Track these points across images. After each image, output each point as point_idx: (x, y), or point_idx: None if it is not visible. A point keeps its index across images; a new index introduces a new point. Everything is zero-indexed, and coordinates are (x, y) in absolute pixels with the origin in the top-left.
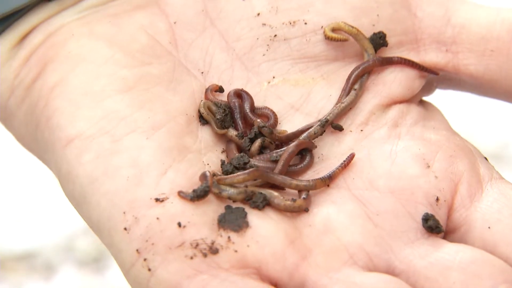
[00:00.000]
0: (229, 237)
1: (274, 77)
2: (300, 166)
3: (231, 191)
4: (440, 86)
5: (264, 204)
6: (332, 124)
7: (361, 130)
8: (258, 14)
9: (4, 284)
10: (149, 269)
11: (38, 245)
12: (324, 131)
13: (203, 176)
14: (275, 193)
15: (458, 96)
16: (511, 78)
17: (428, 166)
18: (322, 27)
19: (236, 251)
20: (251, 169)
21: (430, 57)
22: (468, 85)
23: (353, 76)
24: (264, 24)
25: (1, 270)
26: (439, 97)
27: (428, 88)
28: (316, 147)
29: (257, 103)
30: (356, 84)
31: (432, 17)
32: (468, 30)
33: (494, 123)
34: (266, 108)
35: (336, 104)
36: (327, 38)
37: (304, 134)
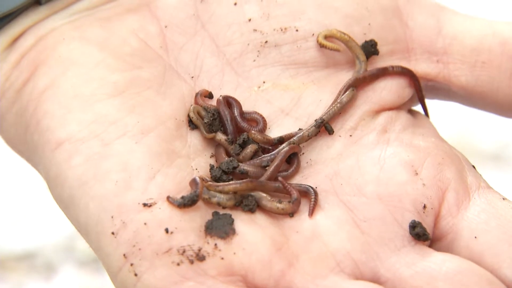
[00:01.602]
0: (216, 244)
1: (264, 82)
2: (288, 171)
3: (221, 197)
4: (429, 96)
5: (256, 206)
6: (325, 125)
7: (350, 135)
8: (250, 19)
9: (4, 284)
10: (136, 274)
11: (38, 245)
12: (319, 131)
13: (193, 182)
14: (263, 194)
15: None
16: (502, 90)
17: (416, 173)
18: (313, 34)
19: (222, 258)
20: (244, 180)
21: (421, 66)
22: (457, 96)
23: (349, 82)
24: (255, 30)
25: (1, 270)
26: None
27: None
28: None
29: (247, 108)
30: (352, 88)
31: (423, 27)
32: (460, 41)
33: (494, 123)
34: (255, 112)
35: (333, 104)
36: (320, 45)
37: (299, 135)
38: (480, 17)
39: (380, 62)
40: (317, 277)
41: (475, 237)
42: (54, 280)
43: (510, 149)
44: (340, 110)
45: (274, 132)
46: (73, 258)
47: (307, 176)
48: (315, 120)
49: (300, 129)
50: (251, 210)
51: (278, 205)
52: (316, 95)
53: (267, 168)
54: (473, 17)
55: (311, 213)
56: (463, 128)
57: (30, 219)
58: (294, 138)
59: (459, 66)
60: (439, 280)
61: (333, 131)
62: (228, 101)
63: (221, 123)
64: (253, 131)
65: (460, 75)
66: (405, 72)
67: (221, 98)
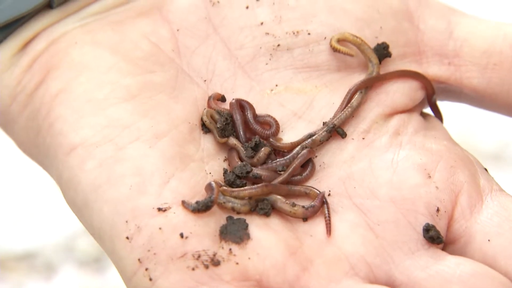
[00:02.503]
0: (230, 249)
1: (276, 85)
2: (303, 175)
3: (236, 202)
4: (440, 98)
5: (271, 210)
6: (337, 129)
7: (363, 138)
8: (262, 23)
9: (4, 284)
10: (150, 279)
11: (39, 245)
12: (330, 136)
13: (209, 187)
14: (278, 196)
15: None
16: None
17: (429, 176)
18: (325, 37)
19: (237, 263)
20: (260, 185)
21: (432, 69)
22: (469, 98)
23: (357, 85)
24: (267, 33)
25: (1, 270)
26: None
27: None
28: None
29: (260, 111)
30: (360, 90)
31: (434, 30)
32: (471, 43)
33: (494, 123)
34: (268, 116)
35: (342, 108)
36: (334, 49)
37: (308, 140)
38: (490, 19)
39: (392, 65)
40: (331, 281)
41: (488, 240)
42: (54, 280)
43: (510, 149)
44: (351, 114)
45: (287, 135)
46: (73, 258)
47: (320, 179)
48: (326, 124)
49: (309, 134)
50: (267, 214)
51: (291, 208)
52: (328, 98)
53: (281, 172)
54: (483, 19)
55: (329, 232)
56: (463, 128)
57: (30, 219)
58: (307, 142)
59: (471, 68)
60: (454, 283)
61: (346, 135)
62: (241, 104)
63: (233, 128)
64: (271, 139)
65: (471, 77)
66: (418, 77)
67: (234, 101)
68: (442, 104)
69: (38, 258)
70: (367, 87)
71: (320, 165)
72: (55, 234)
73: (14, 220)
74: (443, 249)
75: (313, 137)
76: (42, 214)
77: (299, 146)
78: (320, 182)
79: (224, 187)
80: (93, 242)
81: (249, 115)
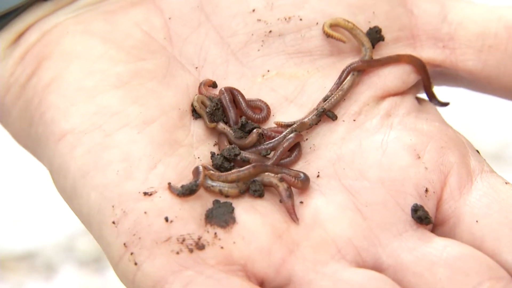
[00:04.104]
0: (215, 233)
1: (268, 71)
2: (288, 159)
3: (223, 185)
4: (437, 82)
5: (263, 191)
6: (327, 113)
7: (354, 120)
8: (254, 10)
9: (4, 284)
10: (136, 263)
11: (39, 245)
12: (320, 120)
13: (196, 171)
14: (266, 173)
15: (458, 95)
16: (509, 74)
17: (419, 157)
18: (317, 23)
19: (222, 247)
20: (246, 167)
21: (426, 53)
22: (464, 81)
23: (349, 67)
24: (259, 20)
25: (1, 270)
26: (439, 97)
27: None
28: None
29: (251, 96)
30: (353, 72)
31: (428, 14)
32: (465, 26)
33: (494, 123)
34: (259, 100)
35: (333, 91)
36: (326, 35)
37: (298, 123)
38: (485, 3)
39: (385, 49)
40: (317, 265)
41: (477, 221)
42: (54, 280)
43: (510, 149)
44: (342, 97)
45: (278, 119)
46: (73, 258)
47: (310, 161)
48: (316, 109)
49: (294, 123)
50: (260, 195)
51: (278, 181)
52: (320, 82)
53: (268, 156)
54: (478, 3)
55: (296, 219)
56: (463, 128)
57: (30, 219)
58: (295, 125)
59: (466, 50)
60: (440, 266)
61: (336, 117)
62: (231, 92)
63: (223, 113)
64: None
65: (467, 60)
66: (412, 61)
67: (223, 89)
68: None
69: (38, 258)
70: (359, 70)
71: (310, 147)
72: (55, 234)
73: (14, 220)
74: (433, 230)
75: (303, 120)
76: (42, 214)
77: (288, 130)
78: (309, 164)
79: (212, 171)
80: (93, 242)
81: (240, 99)
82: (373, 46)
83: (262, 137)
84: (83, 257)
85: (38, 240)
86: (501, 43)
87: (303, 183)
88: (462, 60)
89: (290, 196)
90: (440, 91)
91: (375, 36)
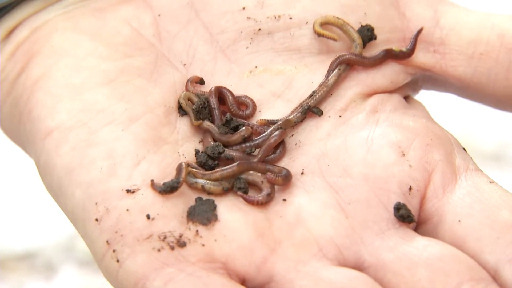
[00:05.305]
0: (197, 231)
1: (256, 67)
2: (272, 156)
3: (205, 182)
4: (425, 86)
5: (248, 188)
6: (312, 109)
7: (340, 116)
8: (244, 8)
9: (4, 284)
10: (118, 261)
11: (39, 245)
12: (305, 117)
13: (179, 168)
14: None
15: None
16: (500, 82)
17: (403, 154)
18: (307, 22)
19: (203, 245)
20: (230, 166)
21: (417, 56)
22: (454, 87)
23: (337, 61)
24: (248, 18)
25: (1, 270)
26: (439, 97)
27: (413, 87)
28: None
29: (238, 92)
30: (339, 67)
31: (420, 18)
32: (457, 32)
33: (494, 123)
34: (245, 96)
35: (318, 87)
36: (318, 34)
37: (282, 121)
38: (479, 9)
39: (376, 49)
40: (299, 263)
41: (459, 221)
42: (54, 280)
43: (510, 149)
44: (326, 93)
45: (265, 115)
46: (73, 258)
47: (295, 158)
48: (301, 106)
49: (278, 120)
50: (245, 192)
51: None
52: (308, 78)
53: (252, 154)
54: (471, 9)
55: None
56: (463, 128)
57: (30, 219)
58: (280, 122)
59: (456, 56)
60: (420, 266)
61: (322, 113)
62: (220, 91)
63: (209, 112)
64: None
65: (457, 66)
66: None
67: (212, 89)
68: (441, 105)
69: (38, 258)
70: (347, 64)
71: (296, 144)
72: (55, 234)
73: (14, 220)
74: (416, 228)
75: (288, 118)
76: (42, 214)
77: (273, 127)
78: (294, 161)
79: (195, 170)
80: None
81: (229, 96)
82: (365, 44)
83: (250, 137)
84: (83, 257)
85: (38, 240)
86: (493, 51)
87: (284, 180)
88: (453, 65)
89: (270, 194)
90: (440, 91)
91: (367, 33)
